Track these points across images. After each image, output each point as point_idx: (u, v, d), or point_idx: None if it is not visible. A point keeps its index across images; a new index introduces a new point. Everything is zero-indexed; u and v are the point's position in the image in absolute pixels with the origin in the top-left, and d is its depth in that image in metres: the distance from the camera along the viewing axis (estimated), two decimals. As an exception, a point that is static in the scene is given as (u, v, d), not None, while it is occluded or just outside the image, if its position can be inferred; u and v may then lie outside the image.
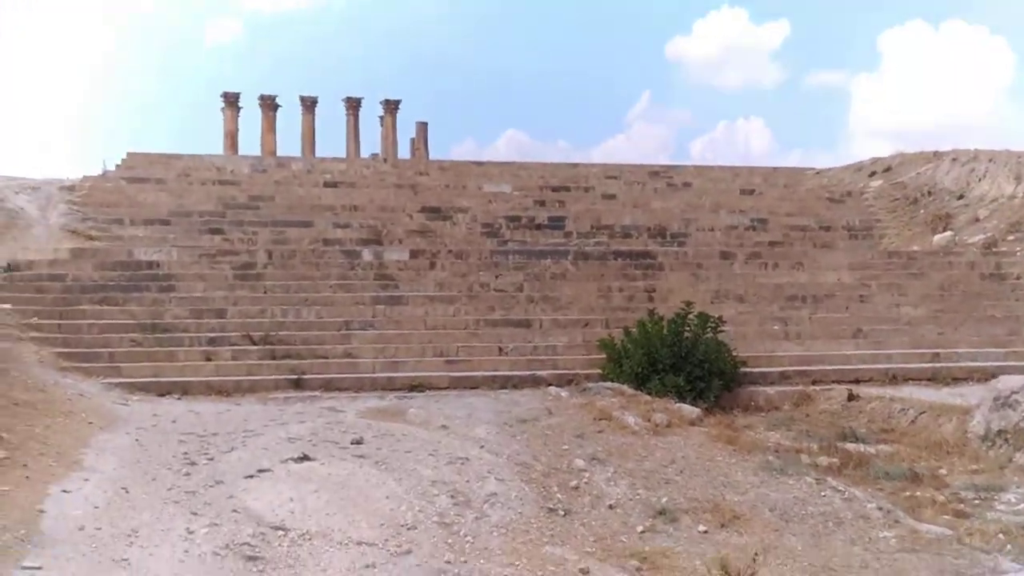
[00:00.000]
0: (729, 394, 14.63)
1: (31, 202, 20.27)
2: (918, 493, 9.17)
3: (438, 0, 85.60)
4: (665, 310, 15.54)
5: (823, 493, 8.65)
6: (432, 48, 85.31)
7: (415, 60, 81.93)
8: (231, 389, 13.86)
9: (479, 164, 27.96)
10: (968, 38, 73.94)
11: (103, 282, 16.40)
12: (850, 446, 11.50)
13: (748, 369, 15.00)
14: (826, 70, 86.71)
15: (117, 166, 24.21)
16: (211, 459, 9.23)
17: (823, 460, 10.79)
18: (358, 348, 15.40)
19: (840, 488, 8.73)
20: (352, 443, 10.03)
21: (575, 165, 28.31)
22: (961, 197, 22.62)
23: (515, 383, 14.61)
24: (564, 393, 13.77)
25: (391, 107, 44.82)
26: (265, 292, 16.87)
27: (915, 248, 20.68)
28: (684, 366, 14.30)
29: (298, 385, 14.16)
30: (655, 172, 27.66)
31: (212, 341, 15.16)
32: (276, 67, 77.59)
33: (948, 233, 20.57)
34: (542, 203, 23.13)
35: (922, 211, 22.95)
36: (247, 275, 17.32)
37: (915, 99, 74.29)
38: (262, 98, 41.38)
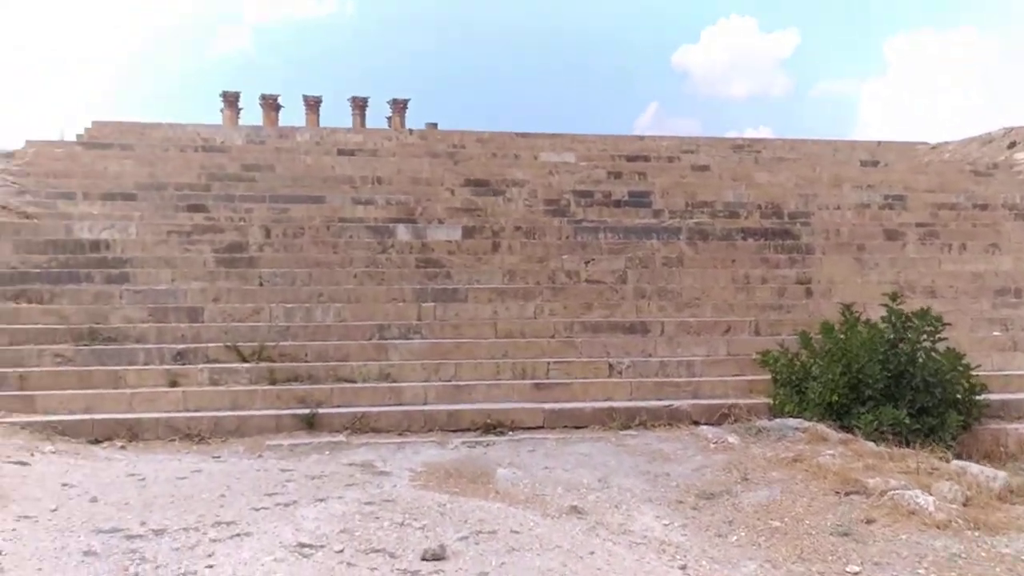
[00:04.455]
0: (967, 434, 9.63)
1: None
2: None
3: (451, 7, 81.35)
4: (829, 308, 10.82)
5: None
6: (441, 53, 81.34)
7: (423, 65, 77.78)
8: (207, 431, 9.01)
9: (524, 136, 22.71)
10: (977, 45, 69.91)
11: (24, 269, 11.41)
12: None
13: (986, 396, 9.97)
14: (835, 78, 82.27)
15: (79, 136, 19.07)
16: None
17: None
18: (400, 367, 10.33)
19: None
20: (427, 560, 5.02)
21: (641, 138, 23.07)
22: None
23: (642, 419, 9.60)
24: (731, 438, 8.76)
25: (399, 106, 40.49)
26: (261, 284, 11.82)
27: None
28: (902, 392, 9.33)
29: (312, 425, 9.16)
30: (739, 146, 22.46)
31: (180, 356, 10.18)
32: (282, 74, 73.53)
33: None
34: (617, 175, 17.93)
35: (1105, 185, 17.89)
36: (235, 260, 12.28)
37: (923, 103, 70.00)
38: (263, 98, 37.42)
